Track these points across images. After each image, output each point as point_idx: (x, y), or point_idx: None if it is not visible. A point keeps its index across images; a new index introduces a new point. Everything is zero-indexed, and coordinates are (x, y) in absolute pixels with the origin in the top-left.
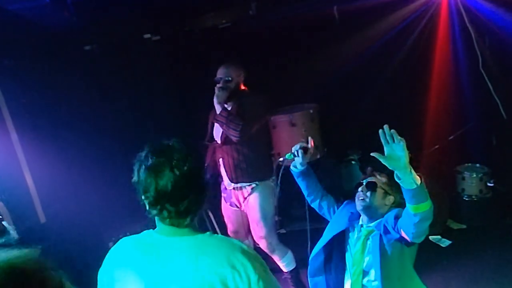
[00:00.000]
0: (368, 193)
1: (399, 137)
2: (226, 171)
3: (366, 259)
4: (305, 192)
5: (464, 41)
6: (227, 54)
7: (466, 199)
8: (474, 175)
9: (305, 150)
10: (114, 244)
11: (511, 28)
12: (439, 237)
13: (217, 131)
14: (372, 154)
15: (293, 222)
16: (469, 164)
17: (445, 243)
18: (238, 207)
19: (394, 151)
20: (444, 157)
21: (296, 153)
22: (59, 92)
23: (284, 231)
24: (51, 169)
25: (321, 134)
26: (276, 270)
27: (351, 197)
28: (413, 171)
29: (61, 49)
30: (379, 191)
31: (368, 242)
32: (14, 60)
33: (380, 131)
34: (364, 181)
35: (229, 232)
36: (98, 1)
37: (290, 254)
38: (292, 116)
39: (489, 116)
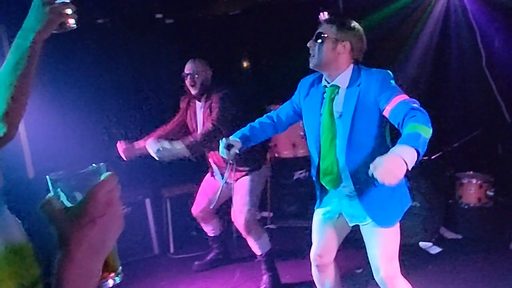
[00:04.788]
0: (316, 47)
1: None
2: (217, 166)
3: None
4: (270, 135)
5: (467, 40)
6: (236, 41)
7: (463, 206)
8: (474, 182)
9: (227, 147)
10: None
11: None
12: (430, 243)
13: (199, 121)
14: None
15: (286, 218)
16: (471, 172)
17: (435, 250)
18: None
19: None
20: (446, 164)
21: (224, 152)
22: (62, 52)
23: (274, 227)
24: (46, 125)
25: None
26: (252, 256)
27: None
28: None
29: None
30: (328, 42)
31: (335, 100)
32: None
33: None
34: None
35: (193, 210)
36: None
37: (265, 237)
38: None
39: (495, 122)
